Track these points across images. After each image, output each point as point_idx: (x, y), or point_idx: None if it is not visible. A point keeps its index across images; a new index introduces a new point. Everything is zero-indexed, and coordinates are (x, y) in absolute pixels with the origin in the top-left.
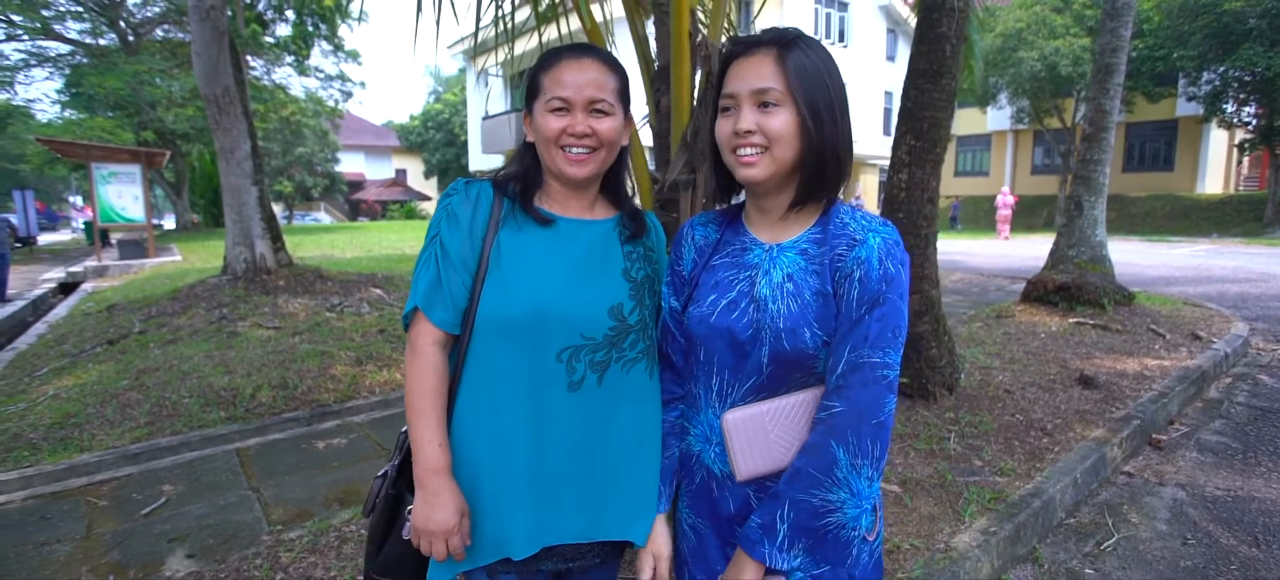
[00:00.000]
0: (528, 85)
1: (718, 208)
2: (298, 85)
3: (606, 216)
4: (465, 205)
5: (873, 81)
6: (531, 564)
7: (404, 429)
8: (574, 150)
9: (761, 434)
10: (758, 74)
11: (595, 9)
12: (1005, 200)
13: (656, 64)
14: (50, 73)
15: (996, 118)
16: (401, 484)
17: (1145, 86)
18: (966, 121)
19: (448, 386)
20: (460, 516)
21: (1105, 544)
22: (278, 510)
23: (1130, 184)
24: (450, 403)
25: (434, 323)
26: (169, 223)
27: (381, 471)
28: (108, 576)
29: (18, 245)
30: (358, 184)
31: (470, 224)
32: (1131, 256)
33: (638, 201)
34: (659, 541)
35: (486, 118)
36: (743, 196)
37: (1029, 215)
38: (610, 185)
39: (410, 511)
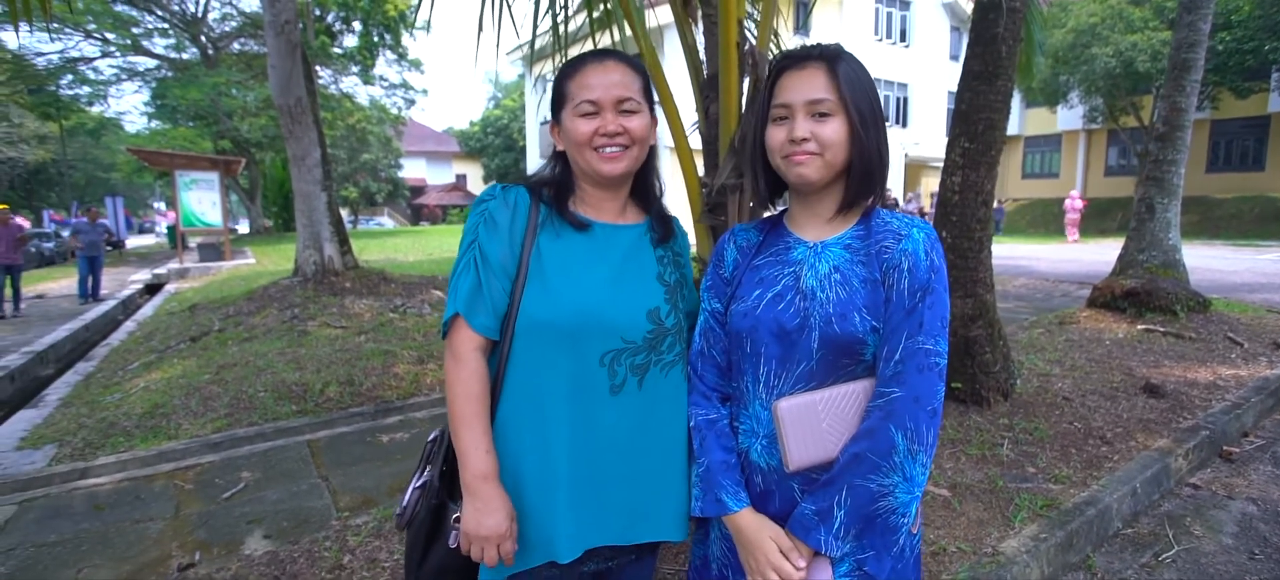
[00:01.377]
0: (553, 95)
1: (763, 216)
2: (363, 94)
3: (637, 220)
4: (504, 210)
5: (935, 82)
6: (574, 566)
7: (431, 438)
8: (608, 149)
9: (814, 423)
10: (811, 85)
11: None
12: (1073, 204)
13: (705, 72)
14: (139, 86)
15: (1067, 117)
16: (442, 493)
17: (1233, 81)
18: (1035, 122)
19: (490, 392)
20: (511, 522)
21: (1164, 555)
22: (345, 498)
23: (1215, 185)
24: (492, 409)
25: (475, 329)
26: (243, 227)
27: (417, 483)
28: (195, 552)
29: (109, 249)
30: (420, 189)
31: (510, 229)
32: (1213, 262)
33: (666, 204)
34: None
35: (544, 123)
36: (782, 205)
37: (1102, 218)
38: (640, 187)
39: (457, 519)
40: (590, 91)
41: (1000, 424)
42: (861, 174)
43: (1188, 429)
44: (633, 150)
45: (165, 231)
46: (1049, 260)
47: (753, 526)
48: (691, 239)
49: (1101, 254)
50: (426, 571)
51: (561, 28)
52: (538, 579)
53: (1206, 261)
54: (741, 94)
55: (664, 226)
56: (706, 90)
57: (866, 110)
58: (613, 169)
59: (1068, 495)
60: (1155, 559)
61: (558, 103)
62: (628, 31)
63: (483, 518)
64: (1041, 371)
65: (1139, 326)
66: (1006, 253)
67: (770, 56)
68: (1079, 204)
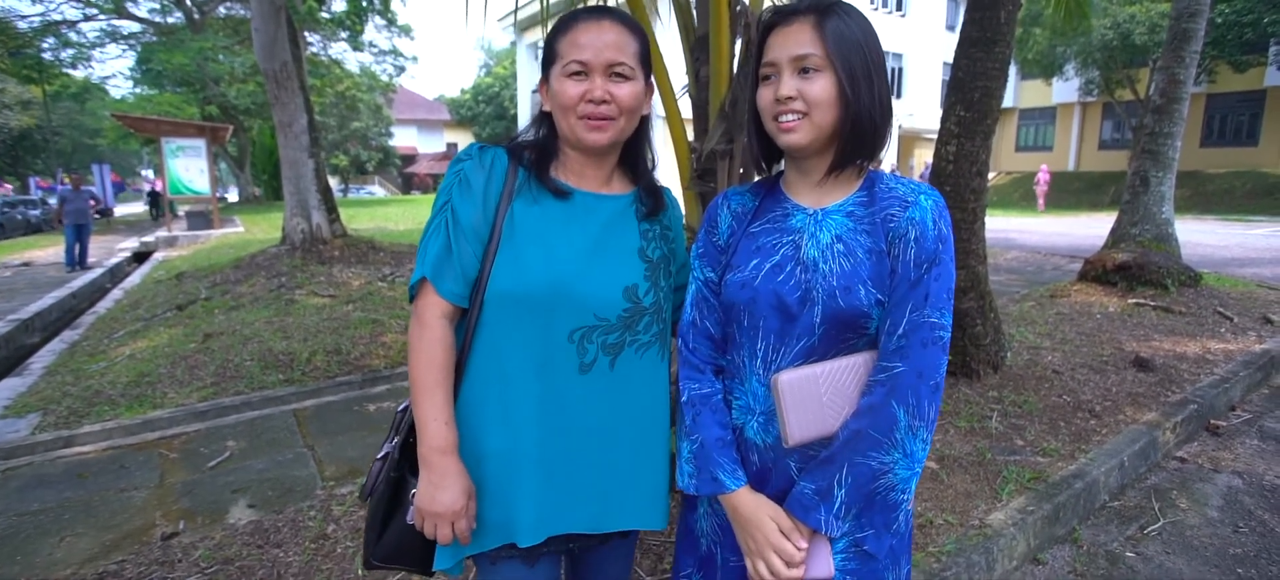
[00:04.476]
0: (544, 52)
1: (757, 178)
2: (352, 60)
3: (624, 191)
4: (479, 172)
5: (931, 52)
6: (537, 549)
7: (401, 407)
8: (592, 117)
9: (814, 397)
10: (797, 41)
11: None
12: (1043, 176)
13: (696, 33)
14: (123, 50)
15: (1062, 90)
16: (404, 466)
17: (1231, 54)
18: (1030, 94)
19: (454, 362)
20: (467, 498)
21: (1150, 528)
22: (331, 467)
23: (1208, 160)
24: (457, 380)
25: (442, 294)
26: (232, 195)
27: (380, 453)
28: (179, 521)
29: (97, 217)
30: (410, 157)
31: (484, 192)
32: (1204, 237)
33: (657, 176)
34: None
35: (536, 91)
36: (782, 167)
37: (1094, 192)
38: (628, 157)
39: (414, 495)
40: (580, 52)
41: (989, 397)
42: (852, 135)
43: (1176, 403)
44: (619, 121)
45: (147, 199)
46: (1040, 233)
47: (751, 506)
48: (681, 208)
49: (1093, 227)
50: (383, 546)
51: None
52: (498, 561)
53: (1198, 236)
54: (733, 56)
55: (653, 199)
56: (697, 52)
57: (858, 67)
58: (595, 139)
59: (1055, 468)
60: (1141, 531)
61: (547, 61)
62: None
63: (437, 492)
64: (1032, 345)
65: (1130, 300)
66: (997, 226)
67: (764, 16)
68: (1046, 176)
